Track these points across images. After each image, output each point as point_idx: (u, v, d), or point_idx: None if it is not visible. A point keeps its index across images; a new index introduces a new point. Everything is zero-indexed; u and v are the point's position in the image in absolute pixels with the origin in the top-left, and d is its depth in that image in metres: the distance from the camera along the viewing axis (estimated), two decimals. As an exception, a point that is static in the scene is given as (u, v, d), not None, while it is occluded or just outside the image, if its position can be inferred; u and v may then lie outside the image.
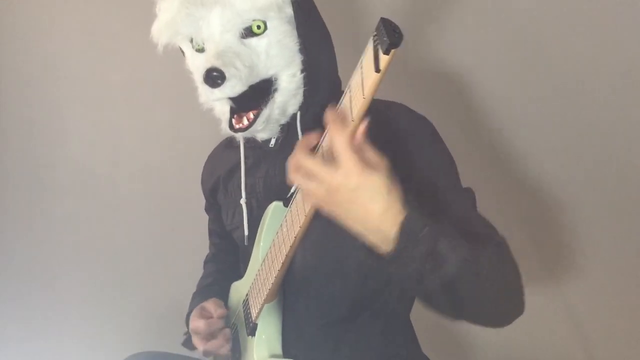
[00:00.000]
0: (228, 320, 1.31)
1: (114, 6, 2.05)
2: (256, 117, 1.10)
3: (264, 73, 1.09)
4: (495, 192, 1.86)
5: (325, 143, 0.88)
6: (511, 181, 1.87)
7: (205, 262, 1.51)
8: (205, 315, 1.24)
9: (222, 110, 1.16)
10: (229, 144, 1.32)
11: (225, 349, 1.23)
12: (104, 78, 2.13)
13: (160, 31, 1.10)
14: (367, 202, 0.80)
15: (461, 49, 1.85)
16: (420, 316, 1.27)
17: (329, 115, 0.82)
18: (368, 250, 0.86)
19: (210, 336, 1.22)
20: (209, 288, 1.39)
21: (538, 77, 1.81)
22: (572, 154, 1.82)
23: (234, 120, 1.12)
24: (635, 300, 1.81)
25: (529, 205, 1.85)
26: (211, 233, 1.50)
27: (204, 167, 1.42)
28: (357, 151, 0.80)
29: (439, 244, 0.82)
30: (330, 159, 0.84)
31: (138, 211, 2.18)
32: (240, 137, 1.18)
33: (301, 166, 0.84)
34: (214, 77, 1.02)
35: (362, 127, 0.81)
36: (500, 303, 0.92)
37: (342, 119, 0.81)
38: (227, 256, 1.43)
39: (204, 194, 1.43)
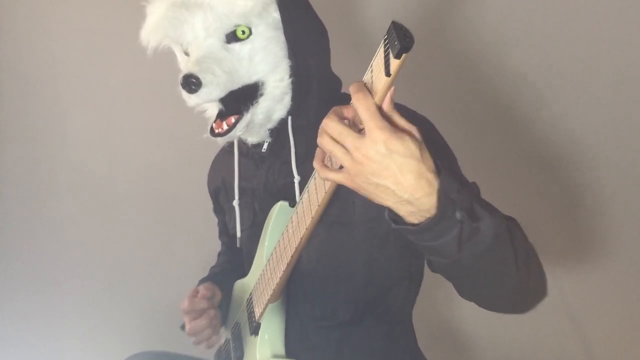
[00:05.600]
0: (226, 308, 1.34)
1: (113, 6, 2.04)
2: (237, 122, 1.10)
3: (246, 79, 1.09)
4: (495, 191, 1.86)
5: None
6: (511, 181, 1.88)
7: (219, 255, 1.53)
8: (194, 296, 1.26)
9: (212, 113, 1.17)
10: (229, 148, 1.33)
11: (208, 333, 1.25)
12: (104, 78, 2.13)
13: (149, 34, 1.10)
14: (399, 170, 0.74)
15: (463, 46, 1.85)
16: (420, 317, 1.27)
17: (353, 87, 0.76)
18: (399, 223, 0.80)
19: (196, 314, 1.23)
20: (214, 276, 1.41)
21: (544, 74, 1.82)
22: (575, 154, 1.83)
23: (214, 125, 1.12)
24: (635, 300, 1.82)
25: (529, 206, 1.85)
26: (220, 233, 1.51)
27: (209, 170, 1.43)
28: (386, 118, 0.75)
29: (475, 206, 0.79)
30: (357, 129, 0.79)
31: (138, 211, 2.18)
32: (221, 141, 1.17)
33: (329, 130, 0.78)
34: (190, 83, 1.03)
35: (390, 95, 0.76)
36: (531, 276, 0.87)
37: (366, 89, 0.76)
38: (237, 253, 1.44)
39: (210, 197, 1.44)
